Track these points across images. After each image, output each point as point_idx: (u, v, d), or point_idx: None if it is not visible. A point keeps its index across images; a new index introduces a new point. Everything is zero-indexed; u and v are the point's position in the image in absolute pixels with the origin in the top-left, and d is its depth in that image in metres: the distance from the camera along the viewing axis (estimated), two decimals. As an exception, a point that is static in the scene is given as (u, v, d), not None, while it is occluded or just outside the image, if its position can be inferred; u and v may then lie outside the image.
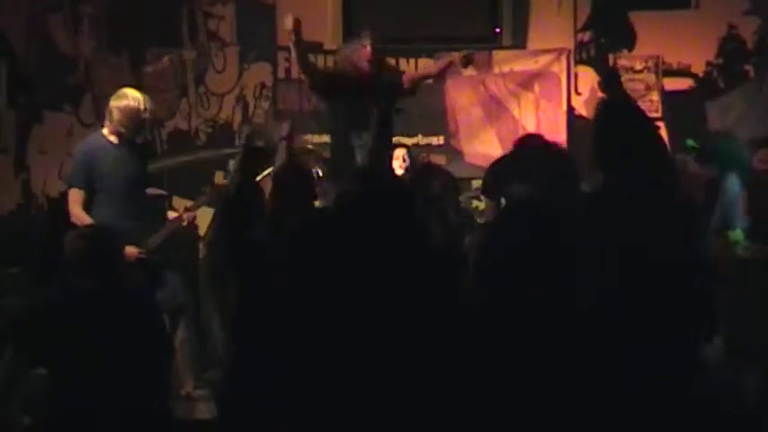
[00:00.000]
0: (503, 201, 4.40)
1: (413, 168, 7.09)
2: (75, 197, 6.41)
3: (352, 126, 6.38)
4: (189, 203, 6.94)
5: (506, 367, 3.61)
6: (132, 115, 6.42)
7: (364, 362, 3.77)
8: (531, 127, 8.02)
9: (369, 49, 6.36)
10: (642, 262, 4.00)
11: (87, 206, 6.38)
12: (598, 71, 7.98)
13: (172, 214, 6.76)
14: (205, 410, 6.21)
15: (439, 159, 7.92)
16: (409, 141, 7.76)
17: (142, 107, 6.44)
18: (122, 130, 6.44)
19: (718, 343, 6.17)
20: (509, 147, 5.44)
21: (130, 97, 6.46)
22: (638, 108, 4.59)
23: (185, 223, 6.68)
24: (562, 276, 3.77)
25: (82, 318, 4.81)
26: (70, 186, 6.50)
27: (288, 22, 6.25)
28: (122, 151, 6.48)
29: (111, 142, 6.47)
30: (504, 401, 3.58)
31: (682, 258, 4.07)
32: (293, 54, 6.52)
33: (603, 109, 4.60)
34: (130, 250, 6.25)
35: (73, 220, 6.33)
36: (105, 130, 6.49)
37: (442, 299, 3.88)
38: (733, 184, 6.71)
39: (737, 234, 6.56)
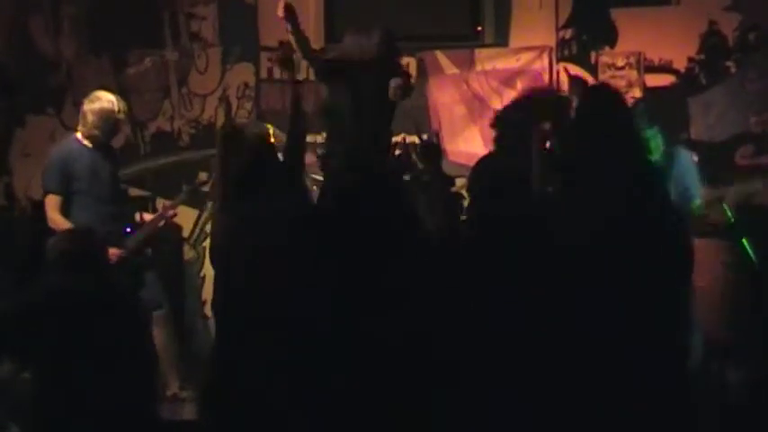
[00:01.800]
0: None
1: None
2: (52, 202, 6.43)
3: (363, 108, 6.08)
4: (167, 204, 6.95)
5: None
6: (106, 117, 6.45)
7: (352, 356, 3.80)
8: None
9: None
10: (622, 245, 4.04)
11: (65, 210, 6.39)
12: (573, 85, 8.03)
13: (148, 216, 6.79)
14: (191, 411, 6.20)
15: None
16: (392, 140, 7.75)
17: (116, 108, 6.47)
18: (97, 132, 6.46)
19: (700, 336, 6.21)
20: (492, 145, 5.47)
21: (104, 99, 6.47)
22: (621, 96, 4.60)
23: (162, 222, 6.69)
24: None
25: (66, 320, 4.80)
26: (46, 192, 6.50)
27: (279, 10, 5.91)
28: (97, 155, 6.50)
29: (85, 146, 6.49)
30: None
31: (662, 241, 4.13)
32: (293, 43, 5.99)
33: (588, 96, 4.63)
34: (112, 251, 6.24)
35: (51, 225, 6.33)
36: (79, 135, 6.50)
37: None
38: (683, 154, 6.71)
39: (697, 206, 6.56)
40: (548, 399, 3.87)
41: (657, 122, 6.50)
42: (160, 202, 6.94)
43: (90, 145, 6.50)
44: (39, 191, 8.18)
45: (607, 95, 4.46)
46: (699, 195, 6.65)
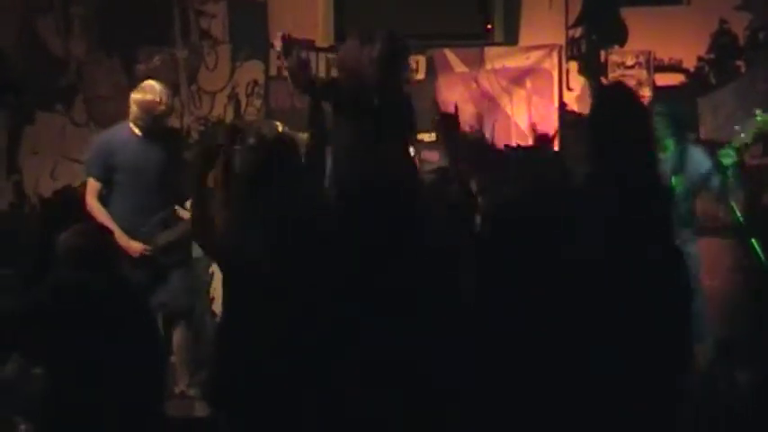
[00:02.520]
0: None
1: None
2: (91, 187, 6.42)
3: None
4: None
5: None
6: (147, 108, 6.42)
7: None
8: (522, 123, 8.03)
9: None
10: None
11: (104, 197, 6.38)
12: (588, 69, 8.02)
13: (185, 214, 6.68)
14: (199, 408, 6.21)
15: (431, 156, 7.91)
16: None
17: (158, 99, 6.43)
18: (140, 122, 6.45)
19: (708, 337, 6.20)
20: (501, 143, 5.47)
21: (147, 90, 6.47)
22: (635, 95, 4.60)
23: None
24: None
25: (75, 316, 4.81)
26: (87, 175, 6.50)
27: (277, 43, 5.73)
28: (144, 144, 6.45)
29: (133, 134, 6.47)
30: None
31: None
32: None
33: (603, 94, 4.63)
34: (135, 246, 6.24)
35: (87, 209, 6.33)
36: (131, 122, 6.50)
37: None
38: (694, 151, 6.66)
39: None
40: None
41: (672, 125, 6.49)
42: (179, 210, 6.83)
43: (139, 133, 6.48)
44: (48, 189, 8.25)
45: (622, 95, 4.45)
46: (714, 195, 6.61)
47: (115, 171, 6.42)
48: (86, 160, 6.65)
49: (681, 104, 7.34)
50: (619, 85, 4.74)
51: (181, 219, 6.58)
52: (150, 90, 6.47)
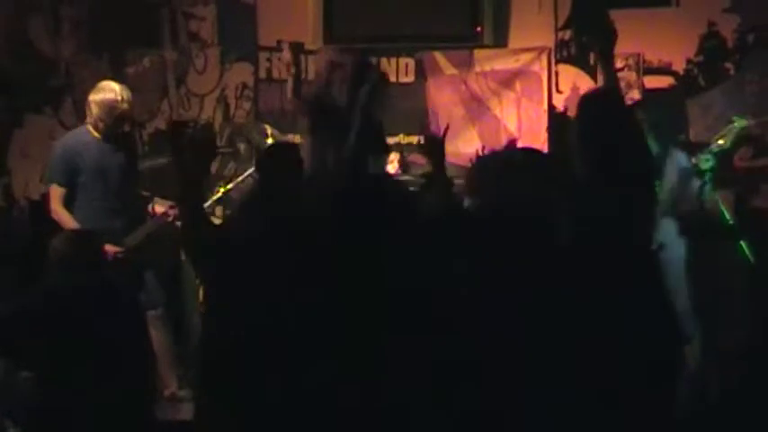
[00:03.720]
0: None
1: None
2: (55, 193, 6.37)
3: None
4: (169, 204, 6.86)
5: None
6: (109, 108, 6.36)
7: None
8: (512, 126, 8.03)
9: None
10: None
11: (68, 202, 6.34)
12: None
13: (159, 209, 6.68)
14: (189, 411, 6.20)
15: (420, 159, 7.91)
16: (391, 141, 7.75)
17: (119, 98, 6.37)
18: (101, 124, 6.39)
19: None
20: (491, 146, 5.47)
21: (107, 89, 6.41)
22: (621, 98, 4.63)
23: (170, 219, 6.62)
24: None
25: (64, 321, 4.81)
26: (50, 182, 6.46)
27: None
28: (105, 147, 6.43)
29: (93, 137, 6.43)
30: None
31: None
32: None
33: (589, 101, 4.64)
34: (108, 248, 6.21)
35: (53, 216, 6.29)
36: (89, 126, 6.45)
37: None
38: (679, 157, 6.68)
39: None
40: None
41: (656, 127, 6.49)
42: (157, 203, 6.86)
43: (99, 136, 6.44)
44: (37, 191, 8.23)
45: (603, 104, 4.47)
46: (692, 198, 6.63)
47: (78, 174, 6.38)
48: (48, 167, 6.61)
49: (664, 109, 7.35)
50: (601, 91, 4.76)
51: (148, 218, 6.61)
52: (110, 89, 6.42)
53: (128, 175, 6.52)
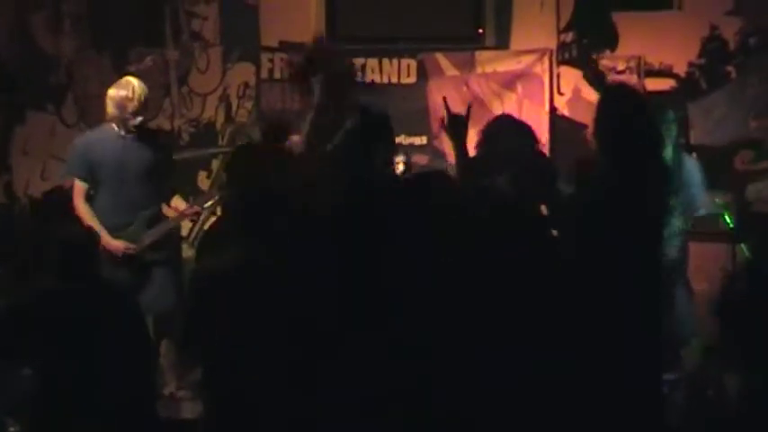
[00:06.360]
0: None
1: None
2: (78, 189, 6.41)
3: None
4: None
5: None
6: (118, 104, 6.37)
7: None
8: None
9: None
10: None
11: (89, 196, 6.37)
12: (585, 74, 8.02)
13: (177, 207, 6.66)
14: (188, 410, 6.21)
15: (422, 160, 7.93)
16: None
17: (130, 95, 6.36)
18: (115, 120, 6.41)
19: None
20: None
21: (121, 86, 6.42)
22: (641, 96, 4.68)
23: (187, 218, 6.57)
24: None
25: (63, 318, 4.82)
26: (68, 176, 6.50)
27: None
28: (127, 141, 6.42)
29: (114, 132, 6.44)
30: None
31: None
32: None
33: (610, 93, 4.67)
34: (117, 244, 6.21)
35: (77, 212, 6.31)
36: (112, 122, 6.47)
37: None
38: (690, 162, 6.67)
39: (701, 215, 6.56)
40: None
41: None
42: (176, 200, 6.79)
43: (120, 131, 6.43)
44: (39, 189, 8.23)
45: (625, 96, 4.50)
46: (703, 205, 6.63)
47: (97, 169, 6.39)
48: (68, 162, 6.62)
49: (667, 112, 7.36)
50: (624, 86, 4.81)
51: (166, 217, 6.59)
52: (125, 86, 6.42)
53: (151, 170, 6.48)
